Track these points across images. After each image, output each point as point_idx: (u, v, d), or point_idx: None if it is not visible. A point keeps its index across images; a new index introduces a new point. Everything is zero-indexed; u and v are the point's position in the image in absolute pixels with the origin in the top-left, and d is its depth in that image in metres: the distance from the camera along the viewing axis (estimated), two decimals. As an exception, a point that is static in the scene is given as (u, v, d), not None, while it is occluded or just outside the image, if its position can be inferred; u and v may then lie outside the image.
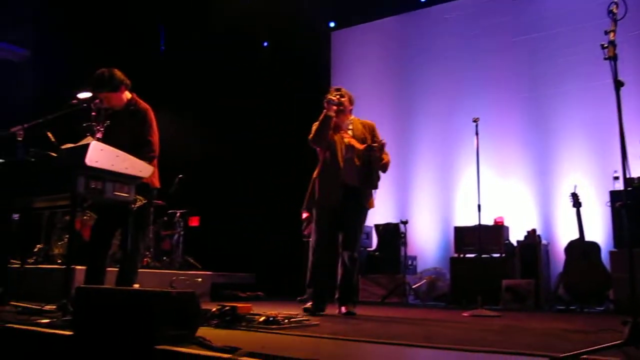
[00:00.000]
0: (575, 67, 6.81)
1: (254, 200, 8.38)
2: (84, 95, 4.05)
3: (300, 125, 5.28)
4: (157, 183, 4.02)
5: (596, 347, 2.08)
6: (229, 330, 2.94)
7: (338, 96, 4.38)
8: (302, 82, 8.47)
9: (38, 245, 6.19)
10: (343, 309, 4.35)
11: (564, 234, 6.35)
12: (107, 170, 3.25)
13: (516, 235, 6.59)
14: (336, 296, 4.47)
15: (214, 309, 3.25)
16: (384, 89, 8.36)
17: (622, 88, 2.43)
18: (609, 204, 5.81)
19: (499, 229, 6.57)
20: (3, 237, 4.07)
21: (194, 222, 7.89)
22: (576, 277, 5.72)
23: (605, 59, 2.42)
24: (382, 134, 4.68)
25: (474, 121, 5.30)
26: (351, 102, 4.57)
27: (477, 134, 5.31)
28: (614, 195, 5.77)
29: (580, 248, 5.77)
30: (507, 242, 6.56)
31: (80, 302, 2.47)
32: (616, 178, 5.90)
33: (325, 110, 4.34)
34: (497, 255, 6.51)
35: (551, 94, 7.03)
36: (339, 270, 4.47)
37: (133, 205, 3.48)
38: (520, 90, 7.27)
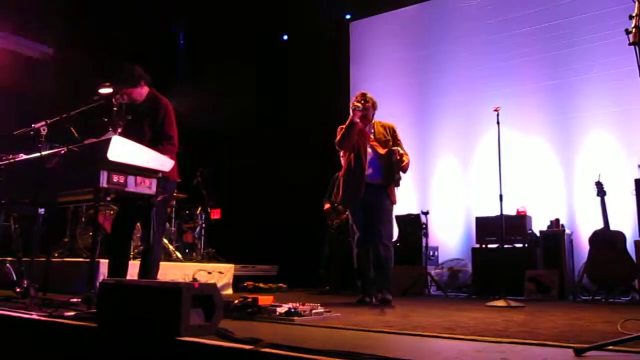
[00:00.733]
0: (598, 53, 6.68)
1: (276, 192, 8.40)
2: (105, 90, 4.11)
3: (321, 117, 5.30)
4: (177, 177, 4.06)
5: (622, 338, 2.04)
6: (251, 321, 2.97)
7: (363, 102, 4.77)
8: (320, 74, 8.47)
9: (64, 239, 6.31)
10: (379, 296, 4.59)
11: (588, 224, 6.23)
12: (129, 164, 3.29)
13: (539, 225, 6.52)
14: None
15: (236, 301, 3.28)
16: (403, 79, 8.29)
17: (647, 74, 2.37)
18: (634, 192, 5.71)
19: (521, 219, 6.50)
20: (29, 232, 4.15)
21: (216, 214, 7.94)
22: (601, 267, 5.64)
23: (629, 44, 2.35)
24: (403, 125, 4.76)
25: (495, 110, 5.26)
26: (374, 107, 4.94)
27: (498, 123, 5.26)
28: (640, 183, 5.67)
29: (605, 237, 5.69)
30: (530, 231, 6.49)
31: (104, 295, 2.51)
32: (642, 166, 5.80)
33: (351, 116, 4.72)
34: (520, 245, 6.45)
35: (573, 81, 6.90)
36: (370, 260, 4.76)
37: (154, 199, 3.51)
38: (542, 79, 7.14)
